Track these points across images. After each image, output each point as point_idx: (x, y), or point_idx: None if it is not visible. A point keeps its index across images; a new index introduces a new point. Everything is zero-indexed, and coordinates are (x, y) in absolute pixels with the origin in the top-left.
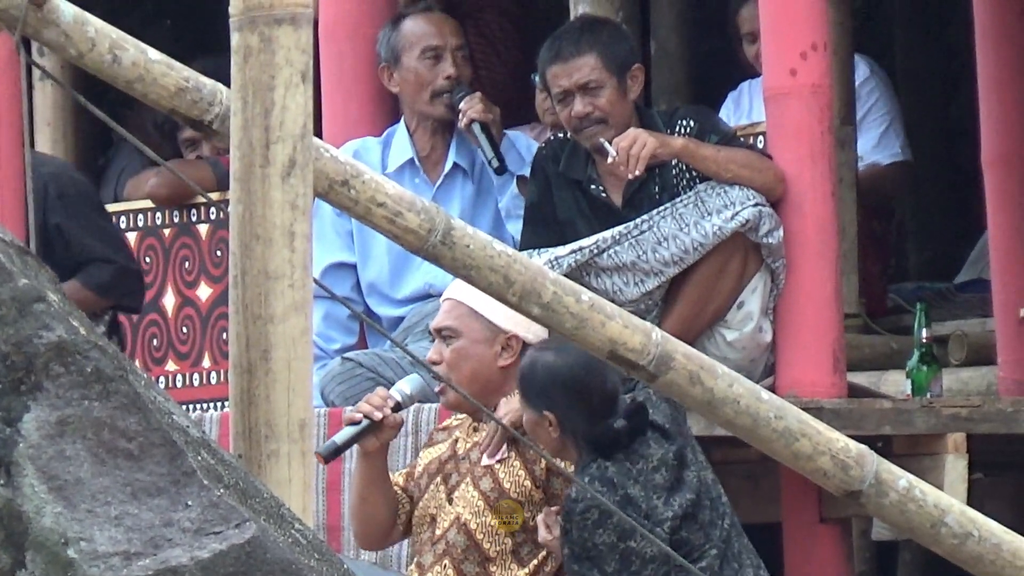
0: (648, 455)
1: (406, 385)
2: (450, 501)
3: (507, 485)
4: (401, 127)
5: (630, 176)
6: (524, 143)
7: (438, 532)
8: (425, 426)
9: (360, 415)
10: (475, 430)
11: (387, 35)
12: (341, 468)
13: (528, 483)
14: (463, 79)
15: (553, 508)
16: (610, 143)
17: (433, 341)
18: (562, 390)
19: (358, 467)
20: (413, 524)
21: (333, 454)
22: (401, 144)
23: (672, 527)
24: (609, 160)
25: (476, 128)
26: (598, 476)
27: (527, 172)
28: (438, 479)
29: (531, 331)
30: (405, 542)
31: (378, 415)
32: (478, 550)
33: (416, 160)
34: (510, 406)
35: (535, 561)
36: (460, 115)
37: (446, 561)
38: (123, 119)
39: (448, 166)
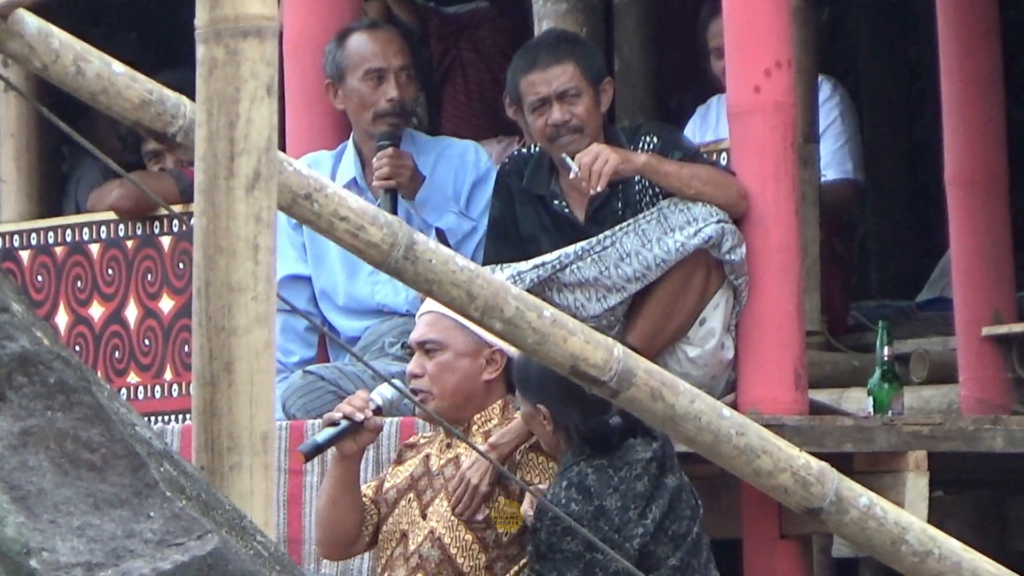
0: (633, 462)
1: (386, 390)
2: (424, 516)
3: None
4: (350, 143)
5: (592, 192)
6: (449, 173)
7: (411, 547)
8: (386, 440)
9: (339, 416)
10: (448, 447)
11: (332, 52)
12: (302, 481)
13: (501, 496)
14: (406, 99)
15: (543, 486)
16: (572, 158)
17: (406, 356)
18: (556, 384)
19: (332, 470)
20: (380, 540)
21: (313, 452)
22: (348, 161)
23: (642, 543)
24: (571, 175)
25: (381, 192)
26: (576, 483)
27: (450, 214)
28: (410, 495)
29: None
30: (366, 557)
31: (359, 416)
32: (451, 564)
33: (359, 179)
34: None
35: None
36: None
37: (419, 575)
38: (85, 130)
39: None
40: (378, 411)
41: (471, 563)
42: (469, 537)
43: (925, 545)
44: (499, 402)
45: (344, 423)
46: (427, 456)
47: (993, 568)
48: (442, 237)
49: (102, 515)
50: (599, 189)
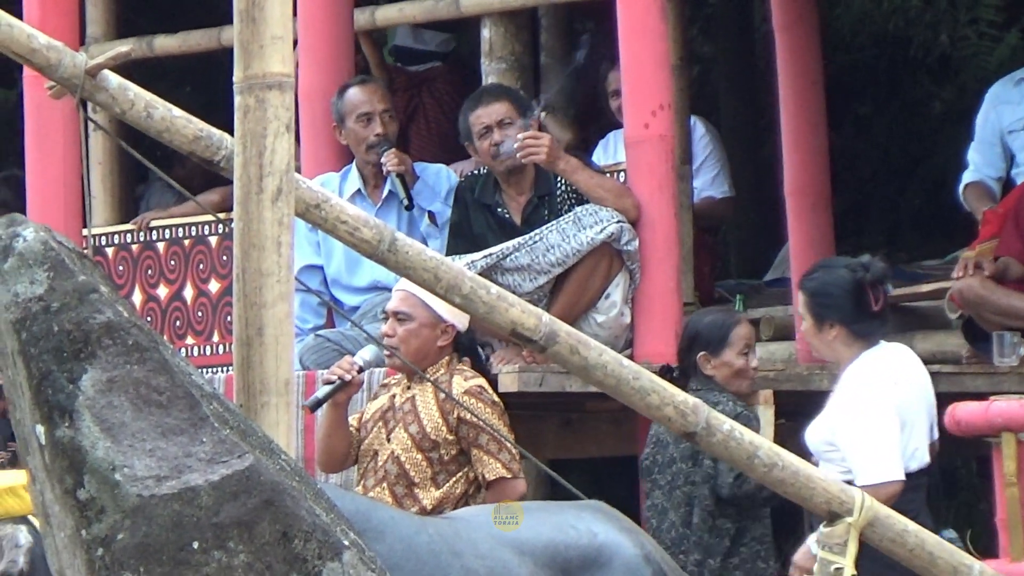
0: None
1: (366, 353)
2: (388, 440)
3: (428, 429)
4: (354, 166)
5: (519, 155)
6: (433, 177)
7: (379, 463)
8: (375, 387)
9: (335, 377)
10: (408, 388)
11: (336, 103)
12: (315, 415)
13: (444, 428)
14: (389, 134)
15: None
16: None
17: (385, 321)
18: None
19: (327, 413)
20: (359, 456)
21: (316, 406)
22: (353, 178)
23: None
24: (515, 146)
25: (392, 176)
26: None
27: (437, 202)
28: (380, 423)
29: (461, 322)
30: (354, 471)
31: (348, 376)
32: (406, 477)
33: (362, 190)
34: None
35: (447, 485)
36: (382, 166)
37: (384, 484)
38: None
39: (384, 194)
40: (360, 370)
41: (420, 476)
42: (419, 456)
43: (772, 459)
44: (445, 359)
45: (337, 381)
46: (393, 395)
47: (819, 474)
48: (432, 218)
49: (167, 441)
50: (525, 161)
